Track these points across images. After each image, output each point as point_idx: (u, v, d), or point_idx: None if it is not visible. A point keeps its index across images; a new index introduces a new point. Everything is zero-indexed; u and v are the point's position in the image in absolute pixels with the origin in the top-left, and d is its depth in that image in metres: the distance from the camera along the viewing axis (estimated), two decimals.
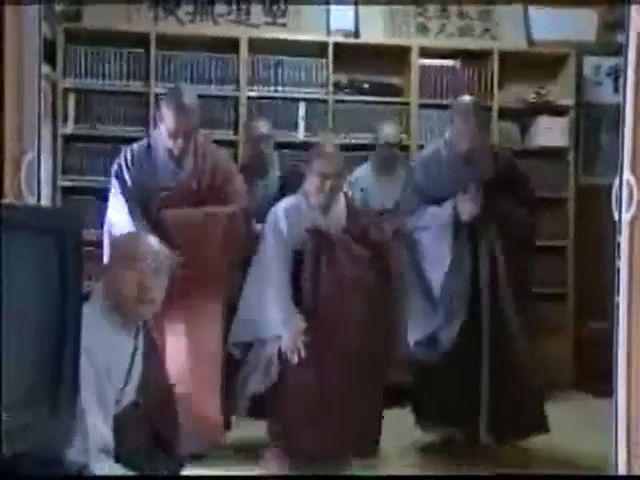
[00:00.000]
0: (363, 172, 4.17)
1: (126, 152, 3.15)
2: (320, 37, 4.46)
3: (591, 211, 4.43)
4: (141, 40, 4.25)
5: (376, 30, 4.57)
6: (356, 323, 2.74)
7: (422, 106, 4.55)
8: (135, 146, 3.19)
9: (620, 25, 3.30)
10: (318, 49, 4.43)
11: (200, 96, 4.25)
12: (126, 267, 1.97)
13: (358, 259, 2.85)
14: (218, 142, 4.29)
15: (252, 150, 3.91)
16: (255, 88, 4.38)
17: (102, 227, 3.15)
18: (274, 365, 2.70)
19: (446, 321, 2.93)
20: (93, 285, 2.04)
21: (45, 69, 3.74)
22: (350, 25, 4.52)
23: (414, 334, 2.96)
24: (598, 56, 4.74)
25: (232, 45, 4.36)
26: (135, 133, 4.21)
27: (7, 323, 1.02)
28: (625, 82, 2.00)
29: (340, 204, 2.99)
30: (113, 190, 3.08)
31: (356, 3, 4.53)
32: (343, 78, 4.54)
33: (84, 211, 3.79)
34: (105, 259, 2.07)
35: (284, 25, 4.50)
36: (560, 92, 4.71)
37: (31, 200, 1.75)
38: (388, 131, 4.12)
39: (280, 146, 4.39)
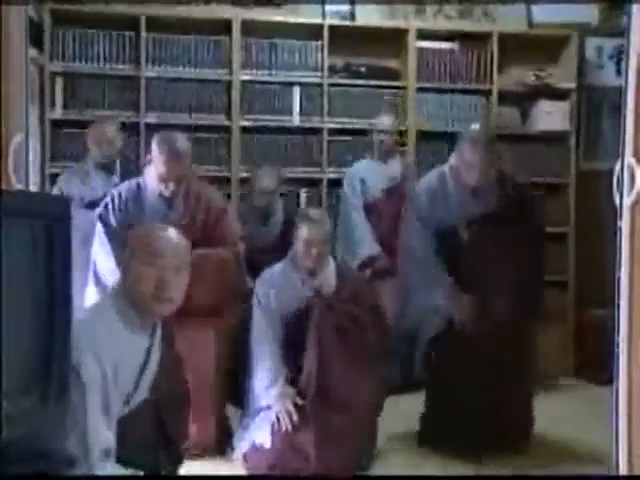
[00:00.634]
0: (362, 165, 4.23)
1: (113, 193, 3.13)
2: (315, 19, 4.44)
3: (592, 197, 4.44)
4: (131, 22, 4.23)
5: (372, 12, 4.55)
6: (355, 383, 2.81)
7: (420, 90, 4.54)
8: (124, 186, 3.18)
9: (623, 6, 3.29)
10: (313, 32, 4.41)
11: (191, 80, 4.30)
12: (144, 263, 1.90)
13: (356, 320, 2.91)
14: (209, 128, 4.33)
15: (257, 202, 3.90)
16: (248, 72, 4.37)
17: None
18: (270, 424, 2.75)
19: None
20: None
21: (32, 52, 3.71)
22: (346, 7, 4.50)
23: None
24: (600, 38, 4.73)
25: (225, 27, 4.34)
26: (125, 118, 4.21)
27: None
28: (627, 64, 2.00)
29: (329, 267, 3.00)
30: (98, 230, 3.07)
31: None
32: (339, 61, 4.52)
33: None
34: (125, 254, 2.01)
35: (279, 6, 4.48)
36: (561, 75, 4.71)
37: (19, 187, 1.74)
38: (385, 120, 4.19)
39: (274, 131, 4.40)
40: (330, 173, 4.45)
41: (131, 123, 4.22)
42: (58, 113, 4.18)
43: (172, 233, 2.00)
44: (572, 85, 4.67)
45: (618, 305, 2.32)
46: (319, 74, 4.42)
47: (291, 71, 4.40)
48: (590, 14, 4.71)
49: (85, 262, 2.97)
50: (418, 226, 3.14)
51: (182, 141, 3.12)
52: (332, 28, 4.40)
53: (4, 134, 1.72)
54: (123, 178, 3.52)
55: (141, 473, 1.78)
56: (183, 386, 2.12)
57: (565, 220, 4.68)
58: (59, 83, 4.18)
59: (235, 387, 2.95)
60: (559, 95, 4.68)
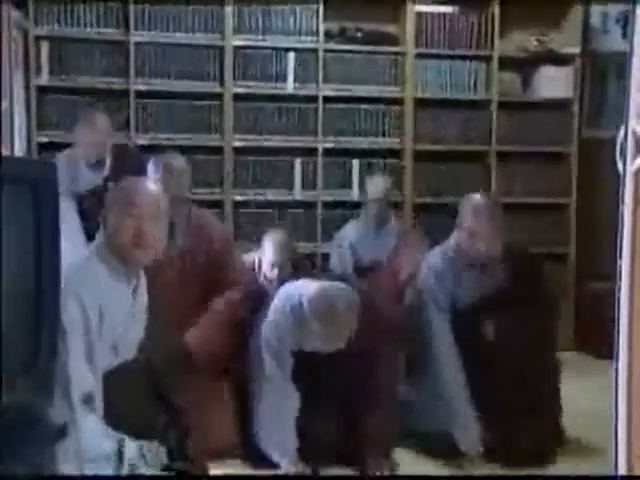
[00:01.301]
0: (352, 228, 4.07)
1: None
2: None
3: (595, 166, 4.43)
4: None
5: None
6: None
7: (418, 56, 4.50)
8: None
9: None
10: None
11: (183, 45, 4.25)
12: (122, 214, 2.02)
13: None
14: (201, 95, 4.28)
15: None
16: (241, 37, 4.31)
17: None
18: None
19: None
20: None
21: (15, 15, 3.65)
22: None
23: None
24: (606, 1, 4.68)
25: None
26: (115, 85, 4.16)
27: None
28: (633, 26, 1.98)
29: None
30: None
31: None
32: (334, 26, 4.47)
33: None
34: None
35: None
36: (564, 40, 4.66)
37: (5, 152, 1.72)
38: (377, 186, 3.98)
39: (268, 98, 4.36)
40: (326, 142, 4.43)
41: (120, 91, 4.18)
42: (44, 79, 4.13)
43: (149, 185, 2.14)
44: (576, 50, 4.63)
45: (619, 276, 2.33)
46: (314, 39, 4.37)
47: (285, 36, 4.35)
48: None
49: None
50: (433, 313, 2.91)
51: (180, 160, 3.12)
52: None
53: None
54: (114, 173, 3.46)
55: (133, 438, 1.79)
56: (177, 350, 2.16)
57: (566, 190, 4.68)
58: (45, 48, 4.13)
59: None
60: (562, 61, 4.64)
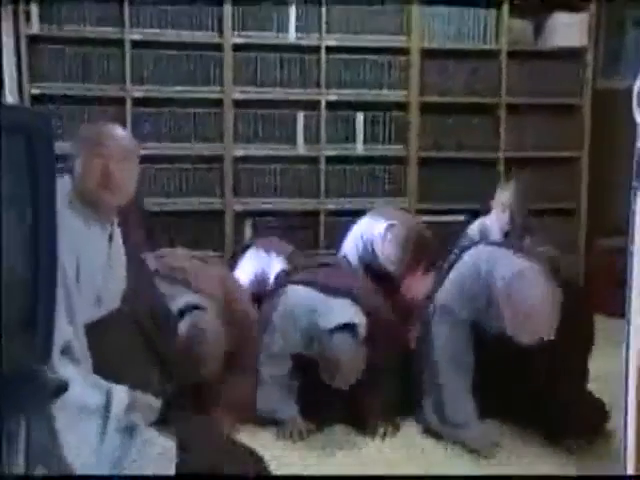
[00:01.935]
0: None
1: None
2: None
3: (609, 118, 4.37)
4: None
5: None
6: None
7: (425, 2, 4.39)
8: None
9: None
10: None
11: None
12: (90, 154, 2.05)
13: None
14: (200, 45, 4.21)
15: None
16: None
17: None
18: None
19: None
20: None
21: None
22: None
23: None
24: None
25: None
26: (111, 34, 4.09)
27: None
28: None
29: None
30: None
31: None
32: None
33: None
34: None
35: None
36: None
37: None
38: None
39: (269, 49, 4.28)
40: (329, 95, 4.36)
41: (115, 41, 4.11)
42: (35, 28, 4.05)
43: (116, 127, 2.17)
44: None
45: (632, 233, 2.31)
46: None
47: None
48: None
49: None
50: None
51: None
52: None
53: None
54: None
55: (124, 388, 1.80)
56: (160, 304, 2.20)
57: (578, 144, 4.62)
58: None
59: None
60: (576, 7, 4.53)
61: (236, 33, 4.23)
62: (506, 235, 3.88)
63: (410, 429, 2.84)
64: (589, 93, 4.59)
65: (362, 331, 2.77)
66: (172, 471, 1.77)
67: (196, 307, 2.57)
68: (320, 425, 2.83)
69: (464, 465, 2.59)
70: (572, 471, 2.48)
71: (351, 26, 4.35)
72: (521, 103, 4.54)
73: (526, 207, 3.89)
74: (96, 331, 1.89)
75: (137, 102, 4.17)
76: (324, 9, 4.28)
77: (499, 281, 2.57)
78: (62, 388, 1.22)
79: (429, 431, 2.79)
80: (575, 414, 2.69)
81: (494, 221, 3.91)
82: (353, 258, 3.68)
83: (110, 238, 2.08)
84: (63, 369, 1.63)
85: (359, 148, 4.43)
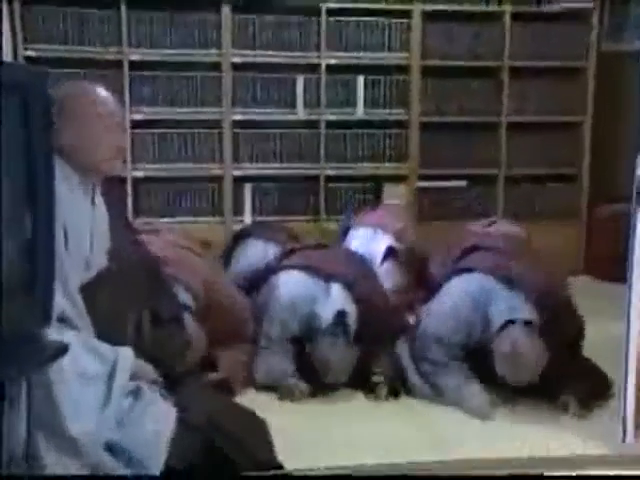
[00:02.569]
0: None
1: None
2: None
3: (613, 82, 4.33)
4: None
5: None
6: None
7: None
8: None
9: None
10: None
11: None
12: (97, 126, 1.99)
13: None
14: (197, 6, 4.14)
15: None
16: None
17: None
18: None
19: None
20: None
21: None
22: None
23: None
24: None
25: None
26: None
27: None
28: None
29: None
30: None
31: None
32: None
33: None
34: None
35: None
36: None
37: None
38: None
39: (267, 11, 4.22)
40: (329, 58, 4.31)
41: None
42: None
43: (103, 91, 2.08)
44: None
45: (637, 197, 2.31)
46: None
47: None
48: None
49: None
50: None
51: None
52: None
53: None
54: None
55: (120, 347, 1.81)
56: (146, 258, 2.21)
57: (582, 108, 4.58)
58: None
59: None
60: None
61: None
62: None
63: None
64: (594, 56, 4.54)
65: (352, 321, 2.85)
66: (170, 431, 1.78)
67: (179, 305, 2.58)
68: (322, 389, 2.86)
69: (460, 420, 2.64)
70: (568, 433, 2.51)
71: None
72: (524, 66, 4.49)
73: None
74: (87, 293, 1.89)
75: (134, 65, 4.13)
76: None
77: (496, 318, 2.72)
78: (61, 350, 1.23)
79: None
80: (576, 380, 2.71)
81: None
82: None
83: (92, 201, 2.05)
84: (60, 337, 1.64)
85: (359, 112, 4.40)
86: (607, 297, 3.31)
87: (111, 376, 1.78)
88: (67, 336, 1.69)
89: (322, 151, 4.37)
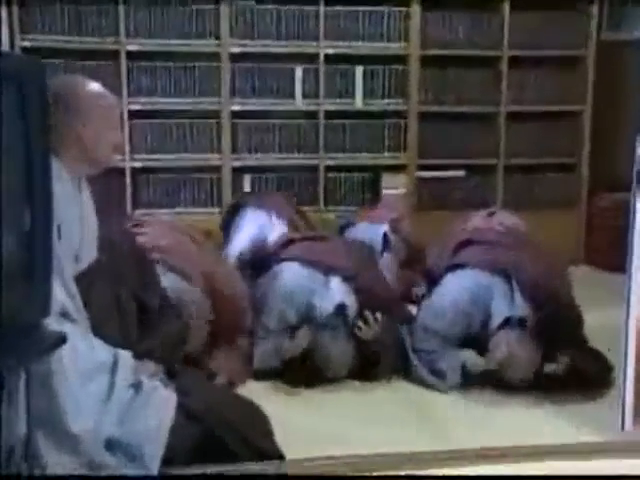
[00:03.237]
0: None
1: None
2: None
3: (613, 71, 4.31)
4: None
5: None
6: None
7: None
8: None
9: None
10: None
11: None
12: (98, 121, 1.97)
13: None
14: None
15: None
16: None
17: None
18: None
19: None
20: None
21: None
22: None
23: None
24: None
25: None
26: None
27: None
28: None
29: None
30: None
31: None
32: None
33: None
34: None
35: None
36: None
37: None
38: None
39: (266, 1, 4.21)
40: (328, 48, 4.30)
41: None
42: None
43: (97, 85, 2.05)
44: None
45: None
46: None
47: None
48: None
49: None
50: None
51: None
52: None
53: None
54: None
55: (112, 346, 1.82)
56: (134, 247, 2.21)
57: (581, 97, 4.58)
58: None
59: None
60: None
61: None
62: None
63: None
64: (593, 44, 4.52)
65: (352, 313, 2.85)
66: (170, 418, 1.78)
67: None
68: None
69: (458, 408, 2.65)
70: (565, 421, 2.52)
71: None
72: (523, 55, 4.48)
73: None
74: (79, 286, 1.88)
75: (132, 56, 4.12)
76: None
77: (498, 313, 2.77)
78: (61, 340, 1.23)
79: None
80: (578, 367, 2.73)
81: None
82: None
83: (79, 189, 2.04)
84: (58, 326, 1.64)
85: (358, 102, 4.39)
86: (607, 286, 3.32)
87: (113, 370, 1.77)
88: (67, 328, 1.69)
89: (321, 141, 4.36)
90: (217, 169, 4.30)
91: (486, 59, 4.49)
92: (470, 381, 2.83)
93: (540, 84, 4.53)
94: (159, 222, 3.12)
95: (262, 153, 4.32)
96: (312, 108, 4.35)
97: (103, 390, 1.72)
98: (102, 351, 1.77)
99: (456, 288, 2.92)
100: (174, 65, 4.18)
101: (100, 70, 3.99)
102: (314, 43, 4.28)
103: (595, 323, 2.93)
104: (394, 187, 4.39)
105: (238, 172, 4.33)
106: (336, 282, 2.92)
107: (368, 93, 4.38)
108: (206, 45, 4.19)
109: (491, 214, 3.78)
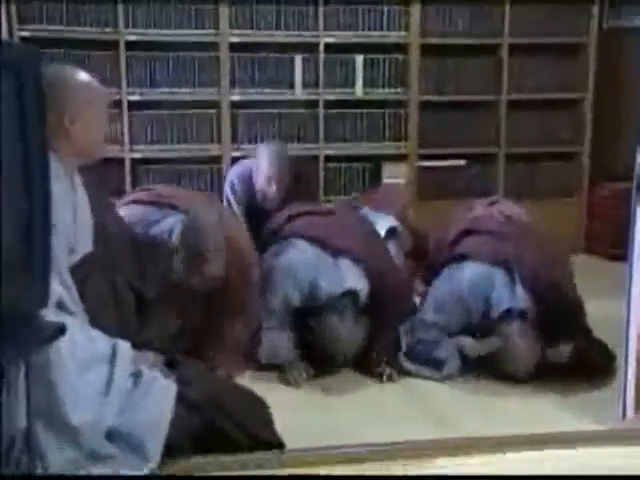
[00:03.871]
0: None
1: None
2: None
3: (615, 59, 4.29)
4: None
5: None
6: None
7: None
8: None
9: None
10: None
11: None
12: (96, 110, 1.99)
13: None
14: None
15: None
16: None
17: None
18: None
19: None
20: None
21: None
22: None
23: None
24: None
25: None
26: None
27: None
28: None
29: None
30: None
31: None
32: None
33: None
34: None
35: None
36: None
37: None
38: None
39: None
40: (328, 37, 4.28)
41: None
42: None
43: (87, 75, 2.04)
44: None
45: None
46: None
47: None
48: None
49: None
50: None
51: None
52: None
53: None
54: None
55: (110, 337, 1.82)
56: (131, 239, 2.21)
57: (582, 85, 4.56)
58: None
59: None
60: None
61: None
62: None
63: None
64: (595, 31, 4.50)
65: (363, 297, 2.81)
66: (170, 408, 1.79)
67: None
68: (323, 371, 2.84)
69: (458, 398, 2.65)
70: (569, 413, 2.52)
71: None
72: (524, 43, 4.46)
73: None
74: (73, 278, 1.88)
75: (131, 46, 4.10)
76: None
77: (498, 305, 2.75)
78: (59, 330, 1.23)
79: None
80: (582, 355, 2.73)
81: None
82: None
83: (72, 183, 2.04)
84: (55, 317, 1.64)
85: (358, 92, 4.37)
86: (607, 275, 3.32)
87: (112, 361, 1.77)
88: (65, 320, 1.69)
89: (321, 131, 4.35)
90: (217, 159, 4.29)
91: (486, 47, 4.47)
92: (470, 371, 2.83)
93: (541, 72, 4.51)
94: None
95: (262, 143, 4.31)
96: (312, 97, 4.33)
97: (102, 381, 1.72)
98: (101, 342, 1.77)
99: (457, 278, 2.89)
100: (173, 55, 4.16)
101: (99, 60, 3.98)
102: (314, 32, 4.27)
103: (595, 312, 2.92)
104: (395, 177, 4.38)
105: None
106: (346, 264, 2.84)
107: (368, 82, 4.37)
108: (205, 35, 4.18)
109: (492, 203, 3.77)
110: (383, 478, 2.04)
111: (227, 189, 3.69)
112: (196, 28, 4.16)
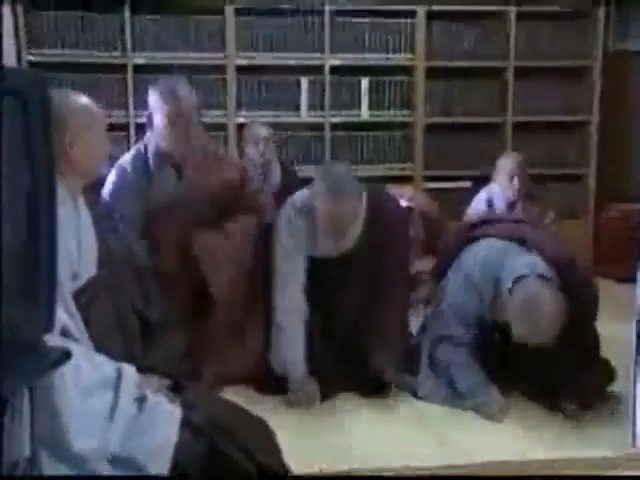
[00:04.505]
0: None
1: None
2: None
3: (620, 81, 4.30)
4: None
5: None
6: None
7: None
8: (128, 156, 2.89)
9: None
10: None
11: None
12: (96, 132, 2.02)
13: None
14: (202, 10, 4.14)
15: (253, 150, 3.83)
16: None
17: None
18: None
19: None
20: None
21: None
22: None
23: None
24: None
25: None
26: None
27: None
28: None
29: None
30: None
31: None
32: None
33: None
34: None
35: None
36: None
37: None
38: None
39: (271, 13, 4.22)
40: (333, 59, 4.30)
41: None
42: None
43: (84, 99, 2.07)
44: None
45: None
46: None
47: None
48: None
49: None
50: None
51: (185, 88, 2.89)
52: None
53: None
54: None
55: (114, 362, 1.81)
56: (136, 260, 2.25)
57: (588, 108, 4.56)
58: None
59: None
60: None
61: None
62: (510, 206, 3.86)
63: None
64: (600, 54, 4.51)
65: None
66: (175, 433, 1.77)
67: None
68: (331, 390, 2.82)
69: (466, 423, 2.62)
70: (573, 437, 2.49)
71: None
72: (529, 66, 4.48)
73: (527, 175, 3.88)
74: (77, 303, 1.88)
75: (138, 69, 4.13)
76: None
77: (507, 281, 2.57)
78: (64, 356, 1.22)
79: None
80: (581, 378, 2.68)
81: (499, 191, 3.89)
82: None
83: (75, 207, 2.04)
84: (59, 342, 1.63)
85: (364, 114, 4.39)
86: (616, 297, 3.29)
87: (117, 385, 1.76)
88: (70, 346, 1.69)
89: (327, 153, 4.36)
90: None
91: (492, 70, 4.48)
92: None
93: (547, 94, 4.53)
94: None
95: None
96: (318, 120, 4.35)
97: (107, 407, 1.70)
98: (106, 366, 1.76)
99: (470, 260, 2.79)
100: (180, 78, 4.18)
101: (107, 84, 4.01)
102: (320, 55, 4.29)
103: (603, 333, 2.90)
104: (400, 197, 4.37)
105: None
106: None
107: (374, 105, 4.39)
108: (212, 58, 4.21)
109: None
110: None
111: None
112: (203, 51, 4.19)
